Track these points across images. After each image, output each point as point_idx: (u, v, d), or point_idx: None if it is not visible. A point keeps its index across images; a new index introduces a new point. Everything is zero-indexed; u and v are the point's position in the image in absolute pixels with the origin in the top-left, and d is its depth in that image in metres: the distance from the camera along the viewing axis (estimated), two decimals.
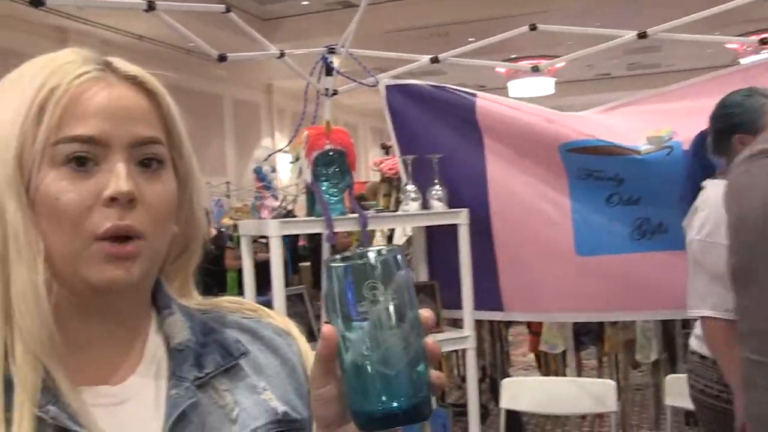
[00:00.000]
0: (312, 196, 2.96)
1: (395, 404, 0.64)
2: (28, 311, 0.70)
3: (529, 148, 3.11)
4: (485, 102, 3.22)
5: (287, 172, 14.85)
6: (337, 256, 0.66)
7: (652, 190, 2.94)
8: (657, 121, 3.02)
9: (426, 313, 0.66)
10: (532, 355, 5.40)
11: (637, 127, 3.04)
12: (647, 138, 2.95)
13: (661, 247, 2.98)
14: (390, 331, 0.64)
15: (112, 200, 0.72)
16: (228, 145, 13.77)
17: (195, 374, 0.79)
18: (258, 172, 11.97)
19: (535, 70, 3.18)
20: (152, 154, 0.76)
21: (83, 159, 0.72)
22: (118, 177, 0.72)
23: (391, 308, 0.65)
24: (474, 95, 3.24)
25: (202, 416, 0.77)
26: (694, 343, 2.47)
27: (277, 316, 0.91)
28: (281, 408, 0.81)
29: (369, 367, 0.64)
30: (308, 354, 0.87)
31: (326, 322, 0.67)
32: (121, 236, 0.72)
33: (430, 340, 0.66)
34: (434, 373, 0.66)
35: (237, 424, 0.78)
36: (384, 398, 0.64)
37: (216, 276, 6.66)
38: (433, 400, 0.70)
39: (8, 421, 0.68)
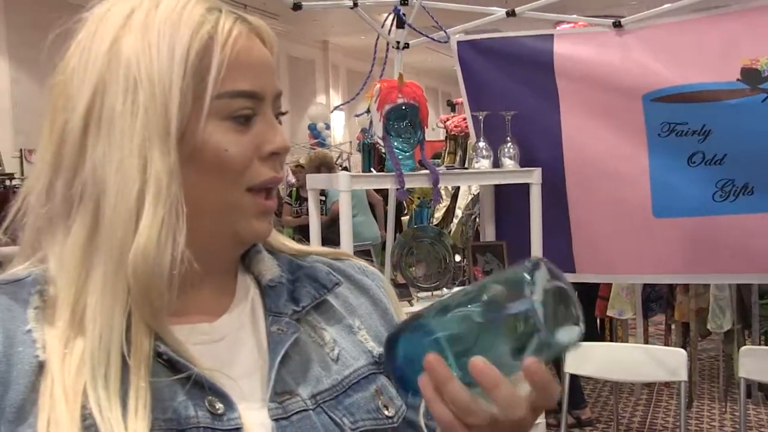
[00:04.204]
0: (368, 153, 2.90)
1: None
2: (144, 266, 0.66)
3: (609, 100, 2.97)
4: (564, 45, 3.07)
5: (341, 129, 14.81)
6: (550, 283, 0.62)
7: (741, 145, 2.78)
8: (755, 40, 2.79)
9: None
10: None
11: (732, 45, 2.81)
12: (741, 70, 2.76)
13: (746, 209, 2.85)
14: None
15: (273, 154, 0.73)
16: (283, 101, 13.74)
17: (293, 308, 0.78)
18: (312, 129, 12.11)
19: (617, 25, 3.03)
20: (280, 105, 0.77)
21: (248, 114, 0.72)
22: (278, 133, 0.74)
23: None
24: (551, 37, 3.09)
25: (303, 354, 0.76)
26: None
27: (358, 258, 0.91)
28: (377, 350, 0.81)
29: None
30: (392, 292, 0.89)
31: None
32: (268, 188, 0.74)
33: None
34: None
35: (338, 363, 0.77)
36: None
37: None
38: None
39: (125, 358, 0.66)
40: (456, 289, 0.69)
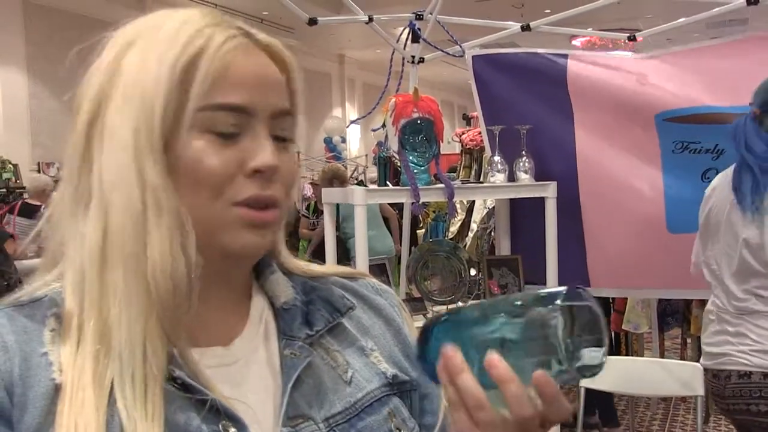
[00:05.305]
0: (384, 167, 2.91)
1: None
2: (164, 279, 0.67)
3: (622, 118, 2.99)
4: (578, 65, 3.09)
5: (356, 143, 14.83)
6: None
7: None
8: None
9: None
10: None
11: (745, 70, 2.80)
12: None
13: None
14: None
15: (256, 172, 0.71)
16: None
17: (306, 332, 0.78)
18: (328, 142, 12.11)
19: (632, 39, 3.04)
20: (286, 126, 0.75)
21: (232, 131, 0.71)
22: (264, 150, 0.71)
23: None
24: (566, 56, 3.13)
25: (316, 377, 0.76)
26: (756, 360, 2.30)
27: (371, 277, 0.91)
28: (390, 371, 0.80)
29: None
30: (406, 310, 0.88)
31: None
32: (260, 205, 0.72)
33: None
34: None
35: (351, 386, 0.77)
36: None
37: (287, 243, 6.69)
38: None
39: (144, 378, 0.66)
40: (500, 297, 0.71)
